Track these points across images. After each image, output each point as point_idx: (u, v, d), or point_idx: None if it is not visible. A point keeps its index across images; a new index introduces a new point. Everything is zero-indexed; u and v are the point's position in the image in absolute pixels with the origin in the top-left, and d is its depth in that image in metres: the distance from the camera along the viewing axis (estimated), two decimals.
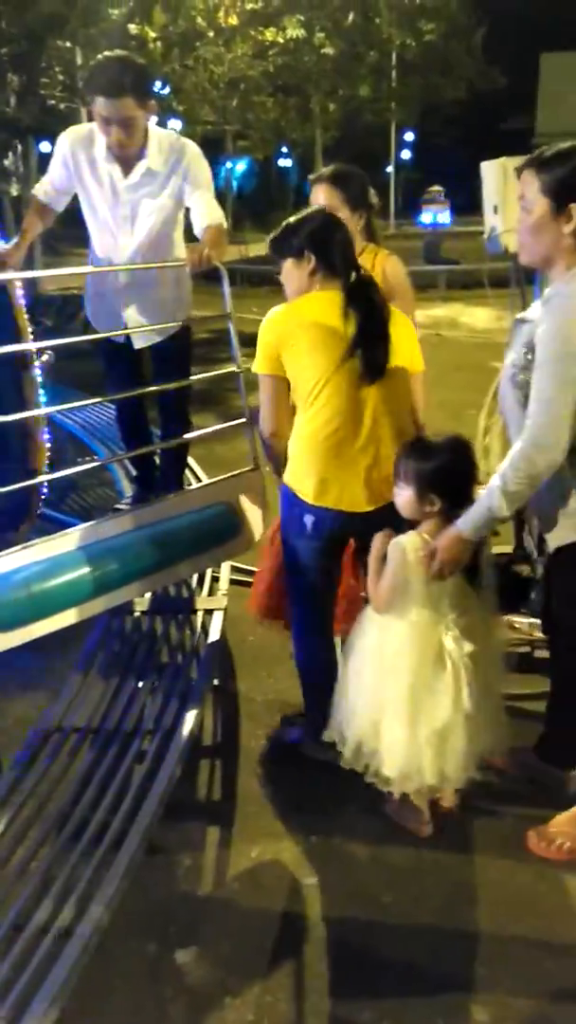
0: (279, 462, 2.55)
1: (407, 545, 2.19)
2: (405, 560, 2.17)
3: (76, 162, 3.05)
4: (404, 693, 2.18)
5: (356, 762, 2.28)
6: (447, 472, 2.15)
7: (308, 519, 2.41)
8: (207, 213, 3.00)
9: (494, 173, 3.18)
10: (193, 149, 3.03)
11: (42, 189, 3.14)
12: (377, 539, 2.26)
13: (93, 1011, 1.86)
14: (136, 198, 3.05)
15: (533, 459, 1.99)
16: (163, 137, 3.01)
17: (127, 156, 2.98)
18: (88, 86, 2.94)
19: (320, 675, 2.52)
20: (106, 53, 3.04)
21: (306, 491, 2.40)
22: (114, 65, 2.88)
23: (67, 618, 2.37)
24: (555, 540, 2.16)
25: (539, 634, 3.17)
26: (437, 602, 2.21)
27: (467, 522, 2.11)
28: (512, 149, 3.28)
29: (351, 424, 2.34)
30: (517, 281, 3.43)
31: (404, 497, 2.22)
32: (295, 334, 2.37)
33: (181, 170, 3.00)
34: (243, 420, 2.94)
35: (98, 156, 3.01)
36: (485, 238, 3.33)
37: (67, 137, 3.08)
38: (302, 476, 2.41)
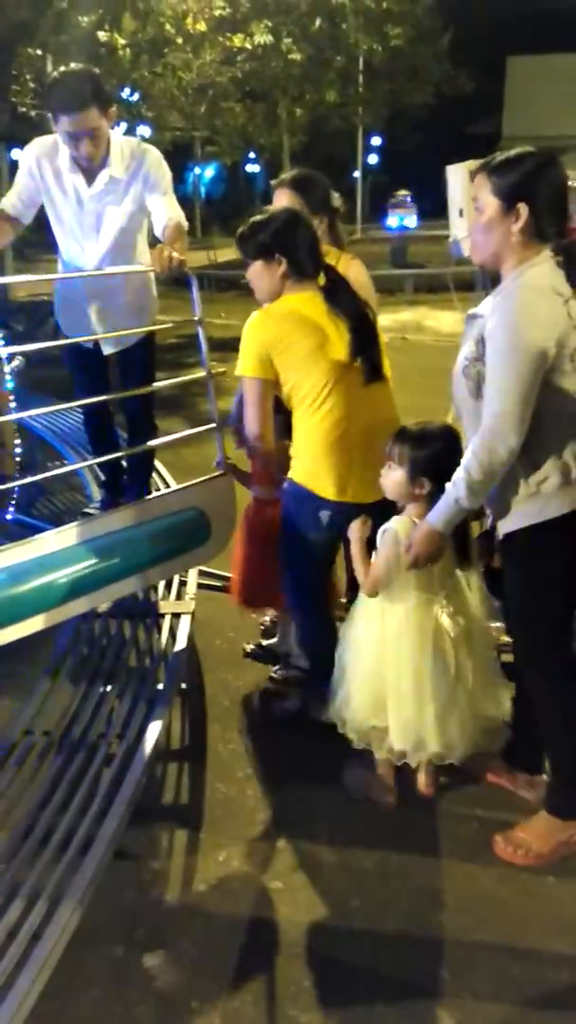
0: (267, 463, 2.60)
1: (399, 528, 2.31)
2: (398, 543, 2.28)
3: (42, 173, 3.06)
4: (408, 673, 2.32)
5: (359, 739, 2.45)
6: (440, 458, 2.25)
7: (324, 514, 2.57)
8: (166, 212, 3.02)
9: (459, 177, 3.23)
10: (153, 154, 3.05)
11: (9, 202, 3.14)
12: (355, 527, 2.40)
13: (60, 1013, 1.87)
14: (100, 207, 3.06)
15: (494, 448, 2.04)
16: (124, 144, 3.03)
17: (91, 166, 2.99)
18: (49, 104, 2.93)
19: (326, 646, 2.64)
20: (60, 69, 3.05)
21: (325, 488, 2.55)
22: (72, 79, 2.89)
23: (35, 624, 2.37)
24: (504, 527, 2.20)
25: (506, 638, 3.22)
26: (429, 583, 2.34)
27: (437, 516, 2.18)
28: (479, 153, 3.31)
29: (359, 423, 2.52)
30: (483, 284, 3.49)
31: (394, 479, 2.34)
32: (290, 336, 2.46)
33: (141, 175, 3.02)
34: (213, 425, 2.94)
35: (62, 167, 3.02)
36: (450, 241, 3.38)
37: (32, 149, 3.09)
38: (319, 474, 2.55)
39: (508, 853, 2.31)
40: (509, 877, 2.27)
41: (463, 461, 2.11)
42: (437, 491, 2.22)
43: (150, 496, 3.00)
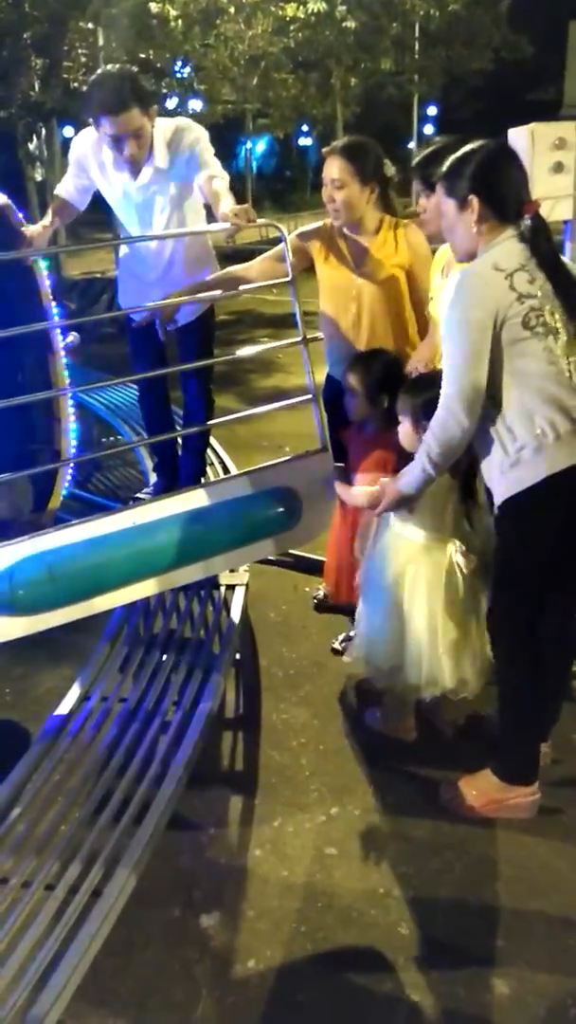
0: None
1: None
2: None
3: (88, 167, 3.08)
4: (423, 610, 2.43)
5: (381, 678, 2.59)
6: (436, 402, 2.29)
7: None
8: (212, 176, 2.94)
9: (523, 140, 3.13)
10: (190, 133, 2.96)
11: (64, 189, 3.16)
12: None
13: (120, 969, 1.94)
14: (148, 198, 3.06)
15: (448, 425, 2.14)
16: (163, 131, 3.00)
17: (136, 161, 2.99)
18: (89, 107, 2.89)
19: None
20: (99, 71, 3.01)
21: None
22: (111, 80, 2.84)
23: (122, 597, 2.37)
24: (498, 496, 2.23)
25: None
26: (442, 523, 2.45)
27: (406, 481, 2.30)
28: (540, 120, 3.24)
29: None
30: None
31: (404, 430, 2.44)
32: None
33: (183, 158, 2.99)
34: (309, 396, 2.70)
35: (106, 161, 3.03)
36: None
37: (79, 142, 3.10)
38: None
39: (445, 799, 2.44)
40: (566, 850, 2.26)
41: (425, 435, 2.21)
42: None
43: (238, 473, 2.79)
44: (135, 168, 2.99)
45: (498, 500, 2.23)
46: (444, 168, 2.21)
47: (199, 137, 2.98)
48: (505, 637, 2.34)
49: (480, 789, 2.40)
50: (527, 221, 2.13)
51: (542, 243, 2.13)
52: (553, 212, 3.12)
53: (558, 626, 2.36)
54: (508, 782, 2.38)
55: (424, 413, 2.31)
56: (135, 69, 3.00)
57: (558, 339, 2.10)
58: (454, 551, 2.44)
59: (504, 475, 2.18)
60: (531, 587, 2.27)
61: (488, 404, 2.14)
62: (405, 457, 2.37)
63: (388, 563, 2.51)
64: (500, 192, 2.13)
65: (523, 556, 2.26)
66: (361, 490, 2.62)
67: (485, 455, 2.22)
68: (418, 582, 2.45)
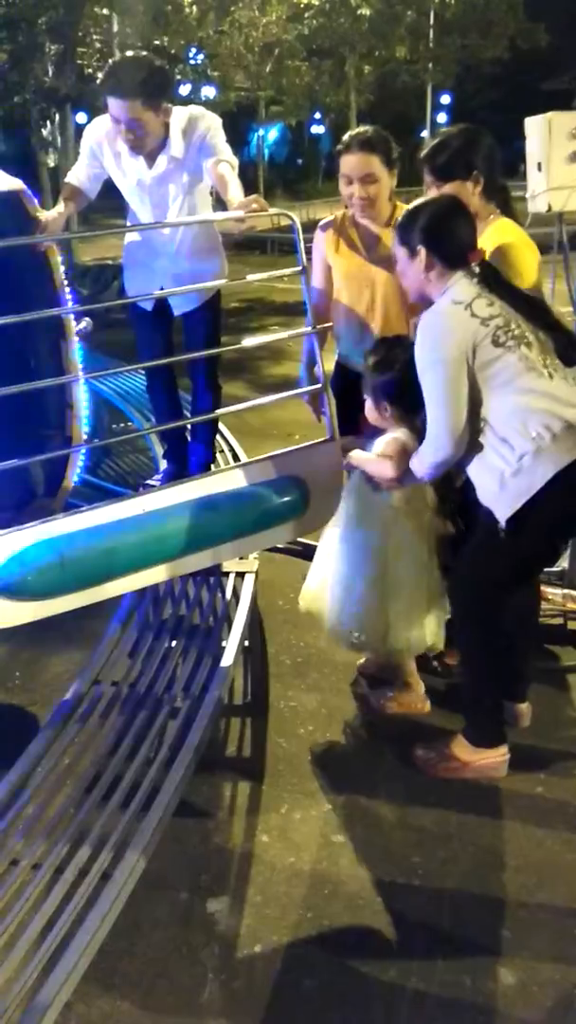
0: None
1: (404, 438, 2.48)
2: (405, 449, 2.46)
3: (102, 155, 3.07)
4: (409, 573, 2.56)
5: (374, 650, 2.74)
6: (394, 384, 2.47)
7: None
8: (221, 160, 2.93)
9: (539, 129, 3.09)
10: (204, 121, 2.94)
11: (75, 176, 3.14)
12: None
13: (127, 952, 1.95)
14: (163, 188, 3.05)
15: (439, 452, 2.28)
16: (178, 120, 2.98)
17: (150, 150, 2.98)
18: (101, 84, 2.92)
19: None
20: (126, 53, 3.00)
21: None
22: (126, 65, 2.84)
23: (131, 583, 2.37)
24: (503, 510, 2.26)
25: (572, 605, 3.19)
26: (417, 494, 2.57)
27: (406, 478, 2.45)
28: (555, 109, 3.20)
29: None
30: (559, 245, 3.37)
31: (367, 407, 2.59)
32: None
33: (197, 146, 2.98)
34: (319, 386, 2.70)
35: (121, 150, 3.01)
36: (528, 197, 3.24)
37: (93, 129, 3.08)
38: None
39: (420, 762, 2.54)
40: (573, 841, 2.26)
41: (418, 453, 2.35)
42: (401, 413, 2.49)
43: (247, 461, 2.79)
44: (151, 157, 2.98)
45: (504, 514, 2.24)
46: (399, 220, 2.40)
47: (211, 125, 2.97)
48: (472, 607, 2.43)
49: (452, 752, 2.51)
50: (475, 267, 2.28)
51: (490, 277, 2.28)
52: (570, 201, 3.09)
53: (524, 594, 2.54)
54: (476, 745, 2.49)
55: (383, 393, 2.51)
56: (158, 62, 2.97)
57: (531, 347, 2.21)
58: (427, 516, 2.56)
59: (505, 487, 2.22)
60: (521, 568, 2.40)
61: (477, 423, 2.24)
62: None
63: (364, 530, 2.59)
64: (446, 245, 2.29)
65: (525, 556, 2.35)
66: (371, 456, 2.55)
67: (480, 472, 2.29)
68: (401, 548, 2.55)
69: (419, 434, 2.38)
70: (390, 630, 2.57)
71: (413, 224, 2.33)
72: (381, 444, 2.51)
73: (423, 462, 2.34)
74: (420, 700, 2.79)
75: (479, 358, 2.19)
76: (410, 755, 2.56)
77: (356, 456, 2.59)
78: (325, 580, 2.70)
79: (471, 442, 2.26)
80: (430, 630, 2.59)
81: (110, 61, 3.01)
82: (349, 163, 2.80)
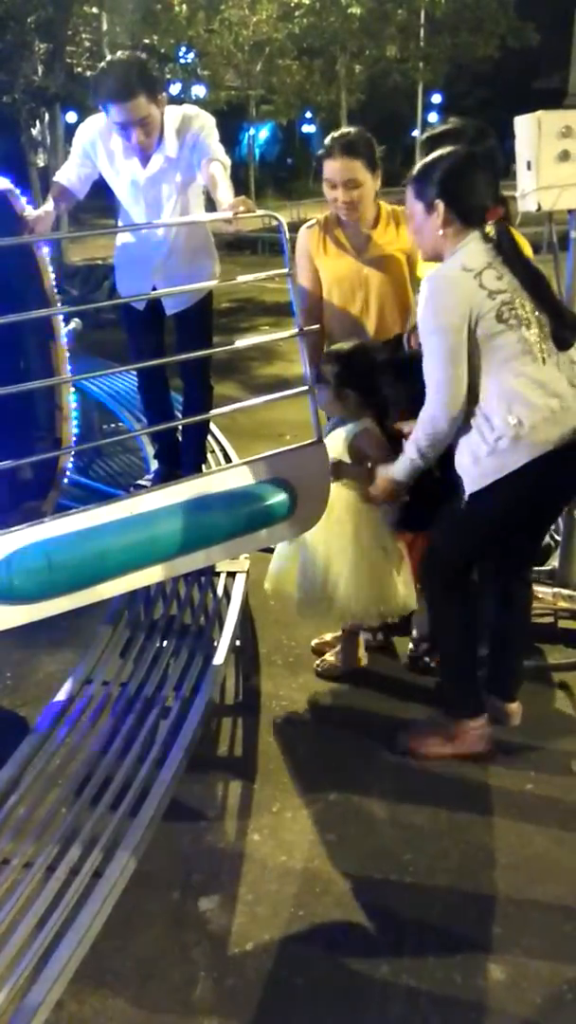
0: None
1: (370, 427, 2.65)
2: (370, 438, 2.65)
3: (95, 155, 3.06)
4: (356, 551, 2.68)
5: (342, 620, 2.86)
6: (355, 371, 2.62)
7: None
8: (214, 159, 2.93)
9: (528, 128, 3.10)
10: (198, 120, 2.96)
11: (64, 176, 3.12)
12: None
13: (120, 950, 1.95)
14: (156, 187, 3.05)
15: (437, 422, 2.29)
16: (172, 119, 2.99)
17: (146, 150, 2.97)
18: (97, 95, 2.88)
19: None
20: (107, 59, 3.00)
21: None
22: (118, 67, 2.83)
23: (121, 585, 2.37)
24: (470, 487, 2.34)
25: (563, 604, 3.21)
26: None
27: (398, 470, 2.46)
28: (546, 108, 3.20)
29: None
30: (549, 245, 3.38)
31: (326, 398, 2.70)
32: None
33: (190, 145, 2.98)
34: (305, 388, 2.64)
35: (115, 150, 3.01)
36: (518, 196, 3.25)
37: (86, 128, 3.07)
38: None
39: (402, 745, 2.60)
40: (563, 838, 2.28)
41: (415, 429, 2.35)
42: (363, 400, 2.61)
43: (235, 463, 2.79)
44: (145, 156, 2.98)
45: (470, 487, 2.32)
46: (414, 171, 2.32)
47: (205, 124, 2.98)
48: (441, 580, 2.51)
49: (431, 729, 2.60)
50: (491, 225, 2.26)
51: (505, 244, 2.26)
52: (559, 201, 3.09)
53: (504, 581, 2.59)
54: (453, 717, 2.56)
55: (344, 381, 2.62)
56: (144, 56, 2.98)
57: (531, 329, 2.22)
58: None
59: (478, 463, 2.29)
60: (487, 547, 2.47)
61: (468, 395, 2.26)
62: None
63: (331, 517, 2.65)
64: (465, 199, 2.25)
65: (486, 529, 2.42)
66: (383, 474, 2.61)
67: (460, 442, 2.33)
68: (362, 524, 2.68)
69: (383, 413, 2.48)
70: (358, 597, 2.67)
71: (430, 177, 2.27)
72: (355, 437, 2.62)
73: (421, 437, 2.33)
74: (358, 659, 2.99)
75: (481, 329, 2.20)
76: (395, 744, 2.59)
77: (380, 478, 2.56)
78: (287, 559, 2.81)
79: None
80: (400, 592, 2.70)
81: (101, 64, 3.00)
82: (332, 168, 2.81)
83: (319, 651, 3.11)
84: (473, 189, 2.27)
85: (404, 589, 2.73)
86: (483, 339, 2.21)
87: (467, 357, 2.21)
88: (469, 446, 2.31)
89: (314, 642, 3.16)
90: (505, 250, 2.25)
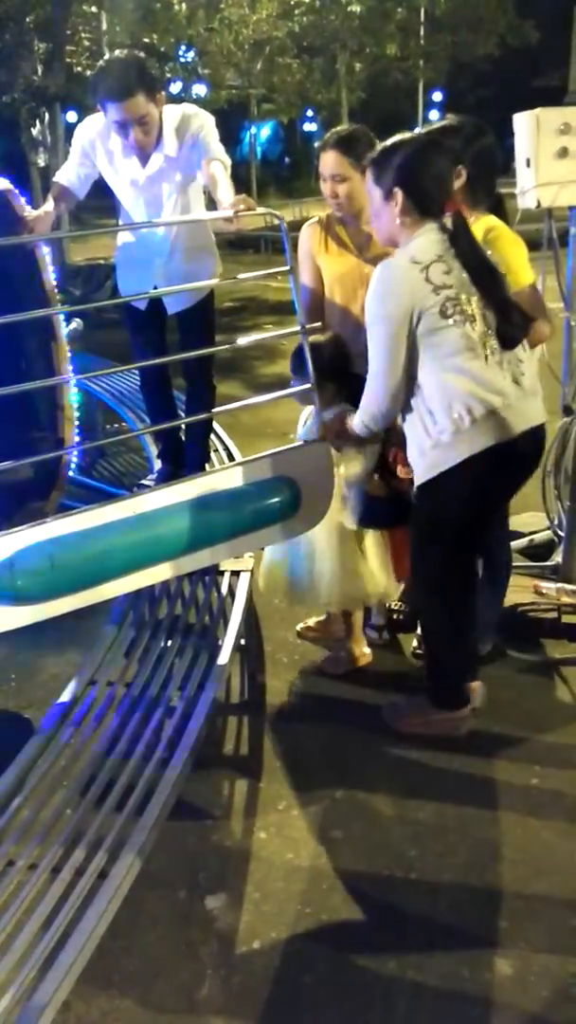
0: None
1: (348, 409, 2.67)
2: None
3: (95, 155, 3.06)
4: (342, 534, 2.77)
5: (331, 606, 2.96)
6: (329, 363, 2.66)
7: None
8: (215, 159, 2.93)
9: (527, 125, 3.10)
10: (197, 118, 2.95)
11: (64, 176, 3.12)
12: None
13: (126, 950, 1.95)
14: (156, 186, 3.05)
15: (375, 402, 2.36)
16: (171, 118, 2.98)
17: (144, 149, 2.97)
18: (95, 94, 2.88)
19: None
20: (105, 57, 2.99)
21: None
22: (116, 66, 2.83)
23: (125, 585, 2.36)
24: (419, 476, 2.41)
25: (567, 599, 3.20)
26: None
27: (355, 427, 2.53)
28: (544, 107, 3.19)
29: None
30: (549, 242, 3.37)
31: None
32: None
33: (190, 143, 2.97)
34: (308, 385, 2.64)
35: (115, 149, 3.00)
36: (517, 193, 3.25)
37: (85, 128, 3.07)
38: None
39: (386, 718, 2.69)
40: (569, 833, 2.27)
41: (360, 408, 2.44)
42: (339, 389, 2.69)
43: (238, 462, 2.79)
44: (144, 156, 2.98)
45: (418, 480, 2.40)
46: (373, 155, 2.30)
47: (204, 123, 2.97)
48: (423, 579, 2.57)
49: (413, 710, 2.66)
50: (448, 217, 2.24)
51: (461, 238, 2.24)
52: (558, 197, 3.09)
53: (469, 566, 2.63)
54: (436, 707, 2.62)
55: (317, 375, 2.63)
56: (142, 55, 2.97)
57: (475, 326, 2.22)
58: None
59: (424, 456, 2.35)
60: (453, 542, 2.48)
61: (413, 387, 2.30)
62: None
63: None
64: (424, 187, 2.22)
65: (441, 525, 2.45)
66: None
67: (409, 433, 2.40)
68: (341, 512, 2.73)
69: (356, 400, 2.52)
70: (336, 581, 2.77)
71: (388, 161, 2.24)
72: (332, 419, 2.69)
73: (363, 413, 2.41)
74: (338, 629, 3.05)
75: (423, 324, 2.21)
76: (407, 752, 2.58)
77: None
78: (279, 551, 2.89)
79: (408, 402, 2.34)
80: (379, 580, 2.79)
81: (99, 62, 3.00)
82: (322, 161, 2.85)
83: (303, 635, 3.22)
84: (433, 177, 2.23)
85: (383, 577, 2.81)
86: (426, 333, 2.22)
87: (408, 349, 2.24)
88: (415, 439, 2.36)
89: (299, 627, 3.24)
90: (460, 243, 2.23)
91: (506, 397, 2.26)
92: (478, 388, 2.23)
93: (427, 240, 2.23)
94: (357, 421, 2.47)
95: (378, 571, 2.82)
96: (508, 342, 2.27)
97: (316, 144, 2.92)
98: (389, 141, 2.27)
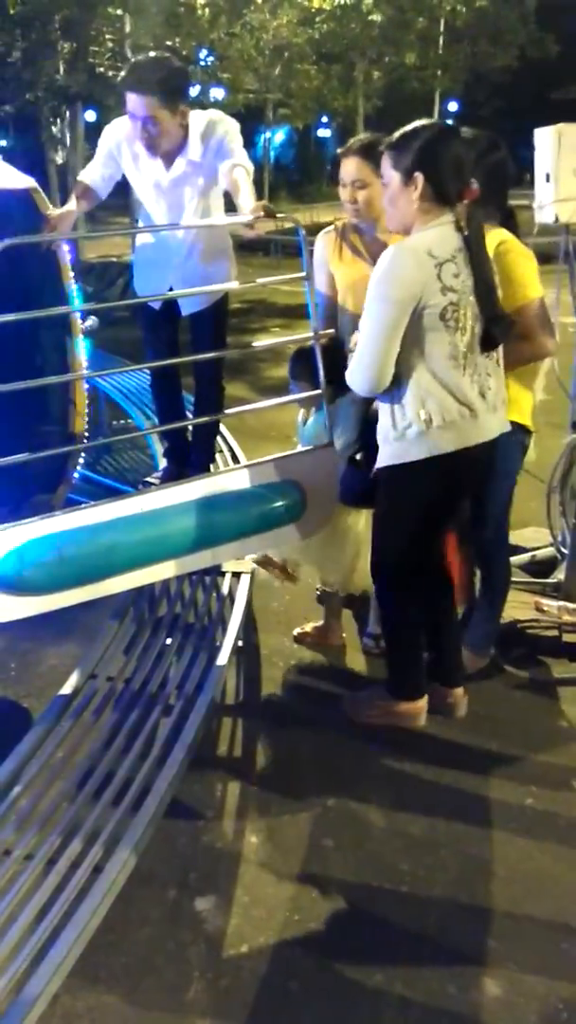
0: None
1: None
2: None
3: (120, 156, 3.08)
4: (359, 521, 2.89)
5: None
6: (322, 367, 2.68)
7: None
8: (236, 164, 2.96)
9: (548, 140, 3.11)
10: (223, 124, 2.97)
11: (88, 176, 3.14)
12: None
13: (115, 946, 1.95)
14: (179, 190, 3.06)
15: (358, 376, 2.36)
16: (197, 123, 3.00)
17: (167, 152, 2.99)
18: (121, 80, 2.96)
19: None
20: (148, 53, 3.04)
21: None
22: (145, 62, 2.89)
23: (130, 581, 2.39)
24: (378, 463, 2.47)
25: (568, 617, 3.21)
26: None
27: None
28: (563, 120, 3.21)
29: None
30: (565, 256, 3.39)
31: (300, 392, 2.92)
32: None
33: (215, 149, 2.99)
34: (319, 391, 2.70)
35: (140, 152, 3.03)
36: (535, 207, 3.27)
37: (112, 130, 3.09)
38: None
39: (346, 709, 2.76)
40: (563, 854, 2.27)
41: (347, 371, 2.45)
42: (337, 390, 2.68)
43: (245, 464, 2.80)
44: (168, 158, 3.00)
45: (379, 464, 2.45)
46: (392, 139, 2.29)
47: (229, 129, 2.99)
48: (385, 571, 2.59)
49: (373, 701, 2.70)
50: (463, 206, 2.24)
51: (474, 233, 2.26)
52: None
53: (437, 559, 2.67)
54: (396, 697, 2.66)
55: (293, 375, 2.80)
56: (178, 64, 3.00)
57: (463, 337, 2.27)
58: None
59: (388, 444, 2.40)
60: (407, 535, 2.51)
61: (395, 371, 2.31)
62: None
63: None
64: (443, 172, 2.22)
65: (397, 515, 2.50)
66: None
67: (380, 420, 2.43)
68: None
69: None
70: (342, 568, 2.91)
71: (408, 145, 2.24)
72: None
73: (348, 377, 2.42)
74: (336, 636, 3.19)
75: (423, 320, 2.23)
76: (402, 764, 2.58)
77: None
78: None
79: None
80: (363, 570, 2.81)
81: (131, 60, 3.04)
82: (344, 167, 2.85)
83: (300, 640, 3.24)
84: (452, 162, 2.24)
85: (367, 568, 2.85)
86: (421, 329, 2.24)
87: (401, 338, 2.24)
88: (383, 425, 2.41)
89: (296, 631, 3.26)
90: (472, 245, 2.25)
91: (473, 409, 2.33)
92: (449, 397, 2.30)
93: (444, 234, 2.24)
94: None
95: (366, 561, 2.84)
96: (490, 343, 2.33)
97: (337, 150, 2.93)
98: (409, 126, 2.28)
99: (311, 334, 2.66)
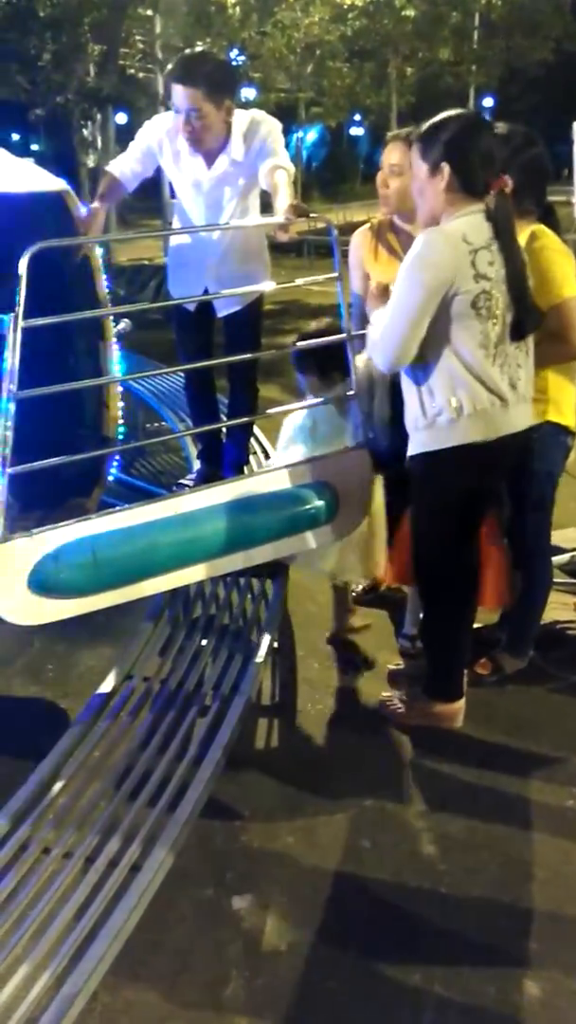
0: None
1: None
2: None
3: (162, 151, 3.09)
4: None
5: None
6: (327, 355, 2.74)
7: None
8: (277, 164, 2.96)
9: None
10: (265, 124, 2.97)
11: (118, 168, 3.13)
12: None
13: (154, 945, 1.97)
14: (219, 189, 3.07)
15: (377, 355, 2.38)
16: (241, 123, 3.00)
17: (209, 150, 3.00)
18: (168, 73, 2.98)
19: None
20: (195, 48, 3.09)
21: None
22: (194, 56, 2.93)
23: (165, 583, 2.41)
24: (408, 451, 2.47)
25: None
26: None
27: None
28: None
29: None
30: None
31: (310, 381, 2.93)
32: None
33: (257, 149, 3.00)
34: (350, 392, 2.69)
35: (181, 149, 3.04)
36: (575, 202, 3.22)
37: (153, 125, 3.10)
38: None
39: (384, 710, 2.77)
40: None
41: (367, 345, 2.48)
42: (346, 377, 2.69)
43: (279, 466, 2.81)
44: (210, 157, 3.01)
45: (410, 452, 2.44)
46: (421, 130, 2.30)
47: (272, 129, 2.99)
48: (425, 568, 2.58)
49: (410, 702, 2.72)
50: (492, 197, 2.23)
51: (503, 222, 2.24)
52: None
53: (466, 552, 2.59)
54: (431, 698, 2.66)
55: (322, 369, 2.80)
56: (228, 62, 3.03)
57: (495, 326, 2.25)
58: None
59: (418, 432, 2.40)
60: (443, 528, 2.49)
61: (418, 361, 2.31)
62: None
63: None
64: (471, 163, 2.22)
65: (431, 508, 2.49)
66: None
67: (408, 406, 2.43)
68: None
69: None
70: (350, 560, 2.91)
71: (436, 136, 2.23)
72: None
73: (369, 351, 2.44)
74: (351, 628, 3.20)
75: (454, 306, 2.22)
76: (439, 765, 2.58)
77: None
78: None
79: (410, 370, 2.36)
80: (379, 564, 2.89)
81: (179, 55, 3.08)
82: (386, 151, 2.85)
83: (331, 641, 3.23)
84: (480, 153, 2.23)
85: (382, 559, 2.91)
86: (452, 316, 2.22)
87: (429, 325, 2.23)
88: (411, 412, 2.41)
89: (328, 635, 3.26)
90: (503, 234, 2.25)
91: (504, 399, 2.32)
92: (483, 382, 2.28)
93: (476, 222, 2.23)
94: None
95: (378, 552, 2.90)
96: (520, 332, 2.31)
97: (388, 135, 2.92)
98: (438, 117, 2.27)
99: (344, 335, 2.66)
